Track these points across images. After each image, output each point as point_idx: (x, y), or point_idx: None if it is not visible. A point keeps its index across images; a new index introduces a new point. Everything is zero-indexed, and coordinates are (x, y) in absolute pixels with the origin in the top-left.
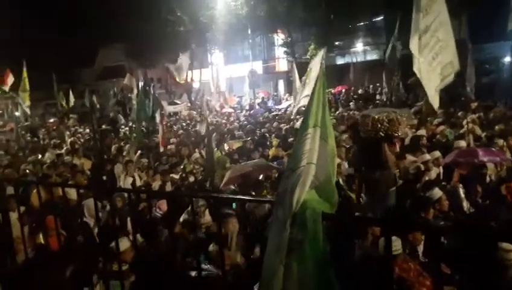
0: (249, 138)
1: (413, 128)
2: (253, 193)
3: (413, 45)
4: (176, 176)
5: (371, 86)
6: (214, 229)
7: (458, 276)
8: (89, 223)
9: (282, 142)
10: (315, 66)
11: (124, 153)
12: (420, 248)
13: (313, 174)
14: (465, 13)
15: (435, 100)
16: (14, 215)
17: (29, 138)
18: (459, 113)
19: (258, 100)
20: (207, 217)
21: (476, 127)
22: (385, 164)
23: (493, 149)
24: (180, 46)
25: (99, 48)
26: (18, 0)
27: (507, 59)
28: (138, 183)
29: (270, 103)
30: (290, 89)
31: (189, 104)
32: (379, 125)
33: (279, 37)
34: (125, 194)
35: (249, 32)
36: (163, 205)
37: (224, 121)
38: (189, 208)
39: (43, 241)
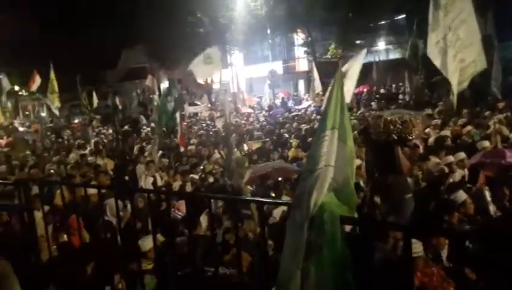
0: (268, 139)
1: (437, 128)
2: (273, 195)
3: (431, 44)
4: (196, 177)
5: (394, 86)
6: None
7: (483, 282)
8: (112, 222)
9: (301, 143)
10: (355, 64)
11: (146, 154)
12: (444, 253)
13: (331, 177)
14: (491, 10)
15: (454, 99)
16: (38, 215)
17: (53, 139)
18: (486, 113)
19: (278, 100)
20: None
21: (503, 128)
22: (399, 168)
23: None
24: (200, 47)
25: (122, 49)
26: (42, 3)
27: None
28: (159, 183)
29: (290, 103)
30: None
31: (209, 105)
32: (391, 127)
33: (299, 37)
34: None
35: (269, 32)
36: (181, 206)
37: (243, 121)
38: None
39: (66, 240)
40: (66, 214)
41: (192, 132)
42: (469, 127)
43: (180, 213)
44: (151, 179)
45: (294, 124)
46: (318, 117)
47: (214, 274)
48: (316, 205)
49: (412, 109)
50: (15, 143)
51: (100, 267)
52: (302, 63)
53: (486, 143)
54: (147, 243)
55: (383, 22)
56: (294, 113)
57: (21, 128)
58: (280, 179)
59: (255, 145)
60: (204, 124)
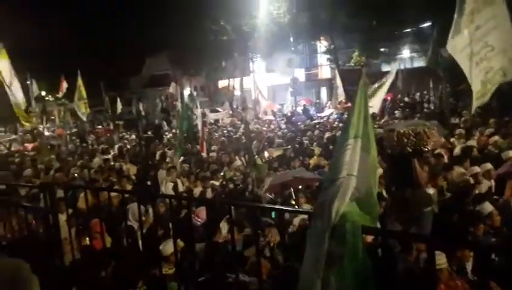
0: (290, 146)
1: (461, 138)
2: (293, 202)
3: (456, 50)
4: (217, 183)
5: (418, 94)
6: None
7: None
8: (134, 227)
9: (323, 151)
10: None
11: (168, 159)
12: (469, 265)
13: (353, 186)
14: None
15: (473, 106)
16: (62, 218)
17: (78, 143)
18: None
19: (300, 108)
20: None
21: None
22: (416, 181)
23: None
24: (222, 54)
25: (146, 56)
26: (68, 12)
27: None
28: (180, 189)
29: (312, 111)
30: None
31: (230, 112)
32: (405, 140)
33: (322, 44)
34: (167, 200)
35: (291, 39)
36: (201, 212)
37: (264, 128)
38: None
39: (88, 243)
40: (89, 217)
41: (213, 138)
42: (496, 137)
43: (199, 220)
44: (171, 185)
45: (316, 132)
46: (340, 125)
47: (234, 281)
48: (338, 215)
49: (437, 118)
50: (41, 147)
51: (122, 271)
52: (325, 71)
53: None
54: (168, 247)
55: (407, 30)
56: (316, 121)
57: (46, 133)
58: (300, 187)
59: (276, 153)
60: (225, 131)
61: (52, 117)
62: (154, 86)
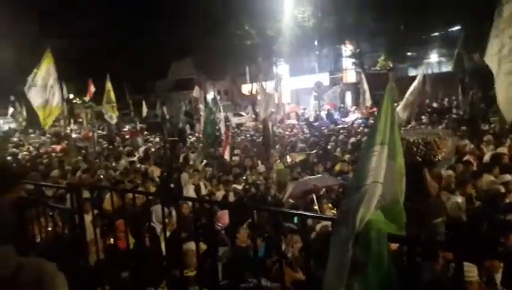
0: (314, 151)
1: (490, 144)
2: (316, 208)
3: (488, 55)
4: (239, 187)
5: (446, 99)
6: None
7: None
8: (156, 228)
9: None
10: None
11: (191, 162)
12: (498, 277)
13: (379, 194)
14: None
15: (507, 113)
16: (88, 218)
17: (105, 145)
18: None
19: (324, 112)
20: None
21: None
22: (426, 191)
23: None
24: (246, 59)
25: (171, 61)
26: (96, 16)
27: None
28: (203, 192)
29: (336, 115)
30: (358, 101)
31: (253, 116)
32: (415, 149)
33: (347, 48)
34: (189, 203)
35: (316, 43)
36: (223, 216)
37: (287, 133)
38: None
39: (112, 244)
40: (113, 218)
41: (236, 142)
42: None
43: (220, 224)
44: (192, 187)
45: (341, 137)
46: (365, 130)
47: (256, 286)
48: (362, 222)
49: (467, 124)
50: (68, 149)
51: (144, 272)
52: (350, 75)
53: None
54: (190, 248)
55: (435, 34)
56: (340, 126)
57: (74, 135)
58: (322, 192)
59: (299, 157)
60: (248, 135)
61: (80, 120)
62: (179, 90)
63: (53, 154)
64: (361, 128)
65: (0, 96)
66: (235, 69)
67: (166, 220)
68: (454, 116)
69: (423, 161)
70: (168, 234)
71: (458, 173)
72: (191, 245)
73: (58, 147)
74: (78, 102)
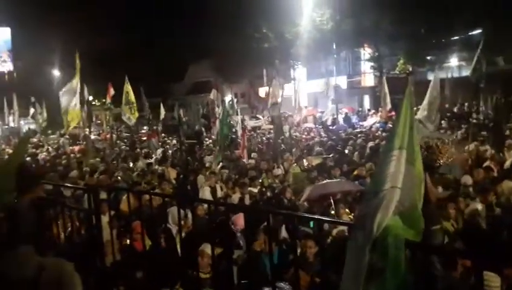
0: (331, 155)
1: (511, 150)
2: (333, 212)
3: None
4: (254, 190)
5: (466, 104)
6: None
7: None
8: (173, 230)
9: (366, 160)
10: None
11: (207, 165)
12: None
13: (397, 199)
14: None
15: None
16: (104, 219)
17: (123, 147)
18: None
19: (341, 116)
20: (283, 233)
21: None
22: (427, 197)
23: None
24: (264, 62)
25: (189, 64)
26: (114, 20)
27: None
28: (219, 194)
29: (354, 119)
30: (376, 104)
31: (270, 119)
32: None
33: (366, 52)
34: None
35: (334, 47)
36: (238, 219)
37: (304, 136)
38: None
39: (128, 245)
40: (129, 219)
41: (252, 145)
42: None
43: (236, 227)
44: (208, 189)
45: (359, 141)
46: (384, 134)
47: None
48: (380, 228)
49: (488, 129)
50: (87, 150)
51: (159, 272)
52: (368, 78)
53: None
54: (205, 250)
55: (456, 37)
56: (358, 130)
57: (92, 137)
58: (339, 196)
59: (315, 161)
60: (264, 138)
61: (99, 121)
62: (195, 93)
63: (71, 155)
64: (379, 132)
65: (21, 97)
66: (252, 72)
67: (182, 222)
68: (474, 121)
69: (424, 166)
70: (183, 235)
71: (478, 179)
72: (205, 247)
73: (76, 148)
74: (97, 104)
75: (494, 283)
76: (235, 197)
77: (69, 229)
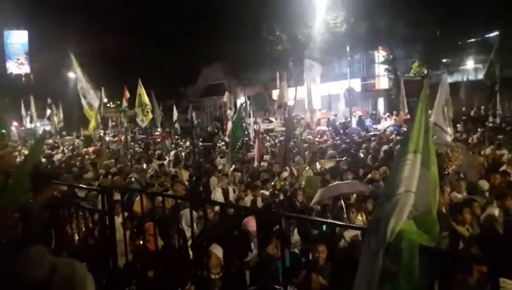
0: (344, 158)
1: None
2: (345, 215)
3: None
4: (267, 193)
5: (483, 107)
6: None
7: None
8: (186, 232)
9: (379, 164)
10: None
11: (220, 167)
12: None
13: (411, 204)
14: None
15: None
16: (118, 220)
17: (137, 148)
18: None
19: (355, 119)
20: (295, 237)
21: None
22: None
23: None
24: (277, 64)
25: (202, 67)
26: (128, 23)
27: None
28: (231, 196)
29: (368, 122)
30: (391, 107)
31: (282, 122)
32: None
33: (380, 54)
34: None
35: (348, 49)
36: (250, 222)
37: (317, 139)
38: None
39: (141, 245)
40: (143, 221)
41: (264, 147)
42: None
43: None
44: (220, 192)
45: (372, 144)
46: (398, 138)
47: None
48: (394, 232)
49: (505, 133)
50: (101, 151)
51: (170, 271)
52: (383, 81)
53: None
54: (217, 251)
55: (472, 40)
56: (372, 133)
57: (107, 138)
58: (352, 200)
59: (328, 164)
60: (277, 140)
61: (113, 123)
62: (208, 95)
63: (86, 156)
64: (393, 135)
65: (38, 98)
66: (265, 75)
67: (195, 224)
68: (491, 124)
69: None
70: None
71: (495, 183)
72: (213, 248)
73: (91, 149)
74: (112, 106)
75: None
76: (248, 200)
77: (83, 229)
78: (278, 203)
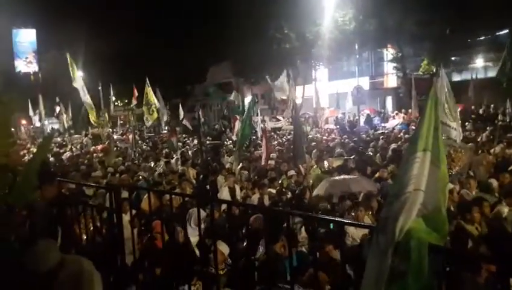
0: (352, 156)
1: None
2: (352, 214)
3: None
4: (274, 191)
5: (492, 105)
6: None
7: None
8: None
9: (387, 162)
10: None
11: (227, 165)
12: None
13: (420, 202)
14: None
15: None
16: (126, 218)
17: (144, 147)
18: None
19: (363, 117)
20: (303, 234)
21: None
22: None
23: None
24: (285, 62)
25: (209, 65)
26: (137, 24)
27: None
28: (238, 194)
29: (376, 120)
30: (399, 106)
31: (290, 120)
32: None
33: (389, 52)
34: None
35: (356, 47)
36: (255, 221)
37: (324, 137)
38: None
39: (149, 243)
40: (150, 219)
41: (272, 146)
42: None
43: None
44: (226, 190)
45: (380, 143)
46: (406, 136)
47: None
48: (402, 231)
49: None
50: (109, 150)
51: (177, 267)
52: (391, 79)
53: None
54: (222, 248)
55: (482, 38)
56: (380, 131)
57: (115, 136)
58: (361, 198)
59: (336, 163)
60: (284, 139)
61: (121, 122)
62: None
63: (94, 154)
64: (401, 134)
65: (47, 97)
66: (273, 73)
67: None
68: (500, 122)
69: None
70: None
71: (504, 182)
72: (218, 244)
73: (99, 147)
74: (119, 104)
75: None
76: (255, 198)
77: (91, 227)
78: (285, 202)
